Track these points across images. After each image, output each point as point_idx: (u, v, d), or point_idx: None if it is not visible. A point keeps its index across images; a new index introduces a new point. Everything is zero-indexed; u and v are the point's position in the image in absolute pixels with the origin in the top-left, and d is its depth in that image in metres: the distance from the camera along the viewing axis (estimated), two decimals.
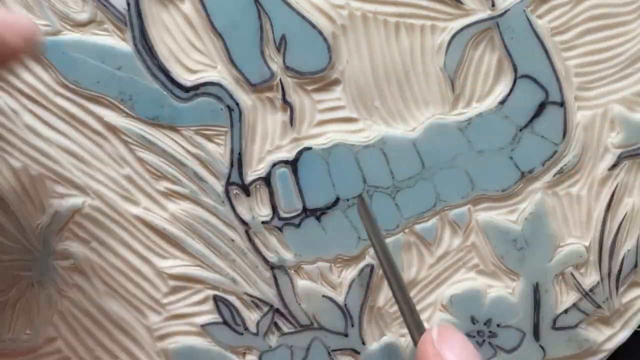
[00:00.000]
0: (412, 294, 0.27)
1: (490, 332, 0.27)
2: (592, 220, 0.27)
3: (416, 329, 0.23)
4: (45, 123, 0.26)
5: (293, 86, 0.26)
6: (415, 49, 0.26)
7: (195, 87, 0.26)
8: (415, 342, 0.23)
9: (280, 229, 0.27)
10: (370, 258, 0.27)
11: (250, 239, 0.27)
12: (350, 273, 0.27)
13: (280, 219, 0.27)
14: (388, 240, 0.27)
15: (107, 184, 0.26)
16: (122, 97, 0.26)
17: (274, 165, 0.26)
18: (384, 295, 0.27)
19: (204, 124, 0.26)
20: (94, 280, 0.27)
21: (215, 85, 0.26)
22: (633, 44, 0.25)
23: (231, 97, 0.26)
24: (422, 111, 0.26)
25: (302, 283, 0.27)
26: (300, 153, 0.26)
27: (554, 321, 0.27)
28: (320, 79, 0.26)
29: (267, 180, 0.26)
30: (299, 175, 0.26)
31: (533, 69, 0.25)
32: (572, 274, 0.27)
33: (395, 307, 0.27)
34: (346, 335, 0.27)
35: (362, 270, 0.27)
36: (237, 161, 0.26)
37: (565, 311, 0.27)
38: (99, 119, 0.26)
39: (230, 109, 0.26)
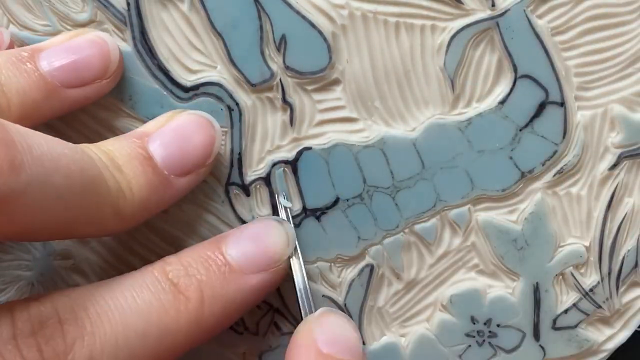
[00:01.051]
0: (412, 294, 0.27)
1: (490, 332, 0.27)
2: (592, 220, 0.27)
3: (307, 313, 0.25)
4: (45, 123, 0.26)
5: (293, 86, 0.26)
6: (415, 49, 0.25)
7: (195, 87, 0.26)
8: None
9: None
10: (370, 258, 0.27)
11: None
12: (350, 273, 0.27)
13: None
14: (388, 240, 0.27)
15: None
16: (122, 97, 0.26)
17: (274, 165, 0.26)
18: (384, 295, 0.27)
19: None
20: (93, 280, 0.27)
21: (215, 85, 0.26)
22: (633, 44, 0.25)
23: (231, 97, 0.26)
24: (422, 111, 0.26)
25: None
26: (300, 153, 0.26)
27: (554, 321, 0.27)
28: (320, 79, 0.26)
29: (267, 180, 0.26)
30: (298, 175, 0.26)
31: (533, 69, 0.25)
32: (572, 274, 0.27)
33: (396, 307, 0.27)
34: None
35: (362, 270, 0.27)
36: (237, 161, 0.26)
37: (565, 311, 0.27)
38: (98, 119, 0.26)
39: (230, 109, 0.26)
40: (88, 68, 0.24)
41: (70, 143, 0.21)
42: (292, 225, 0.26)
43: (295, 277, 0.25)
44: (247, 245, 0.24)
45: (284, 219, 0.26)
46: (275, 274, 0.24)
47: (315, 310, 0.25)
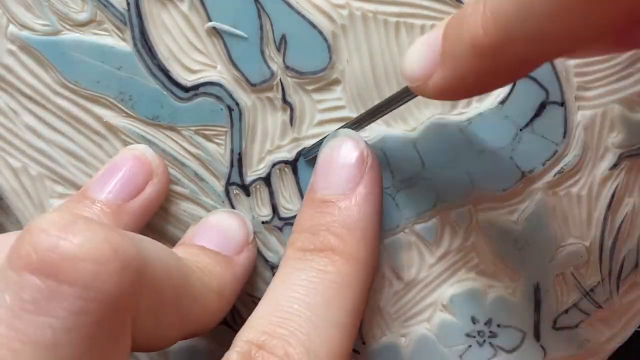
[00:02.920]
0: (412, 294, 0.27)
1: (490, 332, 0.27)
2: (593, 220, 0.27)
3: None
4: (45, 123, 0.26)
5: (293, 86, 0.26)
6: None
7: (195, 87, 0.26)
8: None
9: (280, 229, 0.27)
10: None
11: None
12: None
13: (280, 218, 0.27)
14: (388, 240, 0.27)
15: None
16: (122, 97, 0.26)
17: (274, 165, 0.26)
18: (384, 295, 0.27)
19: (204, 124, 0.26)
20: None
21: (215, 85, 0.26)
22: None
23: (231, 97, 0.26)
24: (422, 111, 0.26)
25: None
26: (300, 153, 0.26)
27: (555, 321, 0.27)
28: (320, 78, 0.26)
29: (267, 180, 0.26)
30: (298, 175, 0.26)
31: None
32: (572, 274, 0.27)
33: (396, 307, 0.27)
34: None
35: None
36: (237, 161, 0.26)
37: (566, 311, 0.27)
38: (99, 119, 0.26)
39: (230, 109, 0.26)
40: (134, 180, 0.25)
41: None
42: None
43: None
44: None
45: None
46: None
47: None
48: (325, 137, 0.26)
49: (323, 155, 0.25)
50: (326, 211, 0.24)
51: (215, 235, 0.26)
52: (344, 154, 0.25)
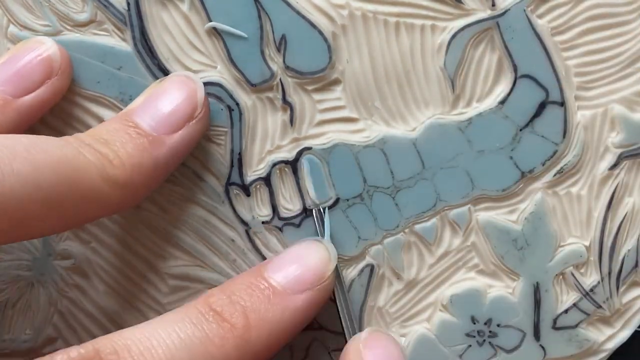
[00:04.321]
0: (412, 294, 0.27)
1: (490, 332, 0.27)
2: (593, 220, 0.27)
3: (352, 331, 0.25)
4: (45, 123, 0.26)
5: (293, 86, 0.26)
6: (415, 49, 0.26)
7: None
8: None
9: (280, 229, 0.27)
10: (370, 258, 0.27)
11: (250, 239, 0.27)
12: (350, 273, 0.27)
13: (280, 218, 0.27)
14: (388, 240, 0.27)
15: None
16: (122, 97, 0.26)
17: (274, 165, 0.26)
18: (384, 295, 0.27)
19: None
20: (94, 280, 0.27)
21: (215, 85, 0.26)
22: (633, 44, 0.25)
23: (231, 97, 0.26)
24: (422, 111, 0.26)
25: None
26: (300, 153, 0.26)
27: (554, 321, 0.27)
28: (321, 79, 0.26)
29: (267, 180, 0.26)
30: (299, 176, 0.26)
31: (533, 68, 0.25)
32: (572, 274, 0.27)
33: (396, 307, 0.27)
34: None
35: (362, 270, 0.27)
36: (237, 161, 0.26)
37: (566, 311, 0.27)
38: (99, 119, 0.26)
39: (230, 109, 0.26)
40: (31, 74, 0.24)
41: (34, 135, 0.22)
42: (327, 220, 0.26)
43: (336, 294, 0.25)
44: (289, 267, 0.24)
45: (322, 239, 0.26)
46: (321, 291, 0.24)
47: (358, 327, 0.25)
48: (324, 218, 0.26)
49: (299, 246, 0.25)
50: (259, 292, 0.23)
51: (155, 108, 0.24)
52: (312, 261, 0.24)
